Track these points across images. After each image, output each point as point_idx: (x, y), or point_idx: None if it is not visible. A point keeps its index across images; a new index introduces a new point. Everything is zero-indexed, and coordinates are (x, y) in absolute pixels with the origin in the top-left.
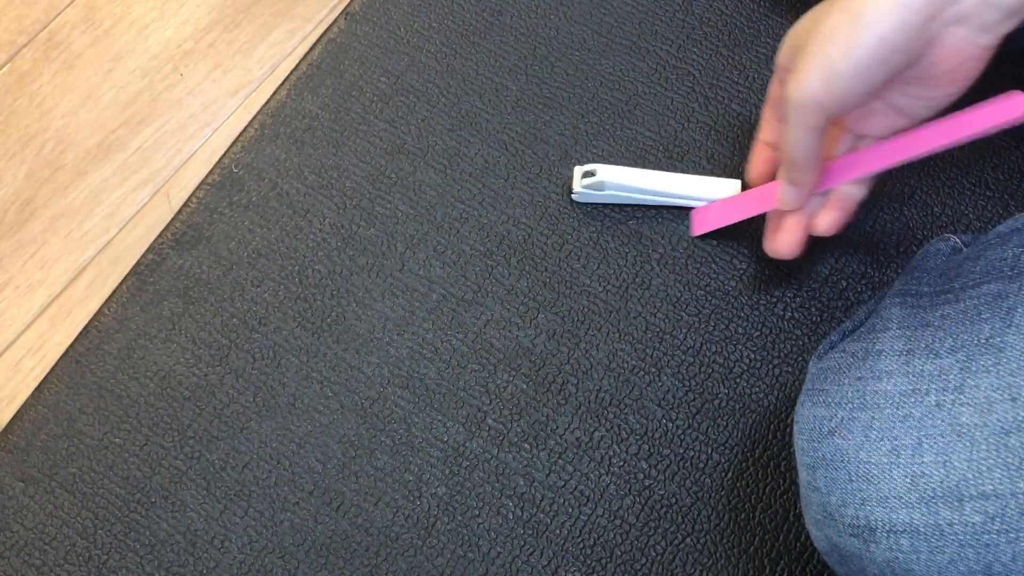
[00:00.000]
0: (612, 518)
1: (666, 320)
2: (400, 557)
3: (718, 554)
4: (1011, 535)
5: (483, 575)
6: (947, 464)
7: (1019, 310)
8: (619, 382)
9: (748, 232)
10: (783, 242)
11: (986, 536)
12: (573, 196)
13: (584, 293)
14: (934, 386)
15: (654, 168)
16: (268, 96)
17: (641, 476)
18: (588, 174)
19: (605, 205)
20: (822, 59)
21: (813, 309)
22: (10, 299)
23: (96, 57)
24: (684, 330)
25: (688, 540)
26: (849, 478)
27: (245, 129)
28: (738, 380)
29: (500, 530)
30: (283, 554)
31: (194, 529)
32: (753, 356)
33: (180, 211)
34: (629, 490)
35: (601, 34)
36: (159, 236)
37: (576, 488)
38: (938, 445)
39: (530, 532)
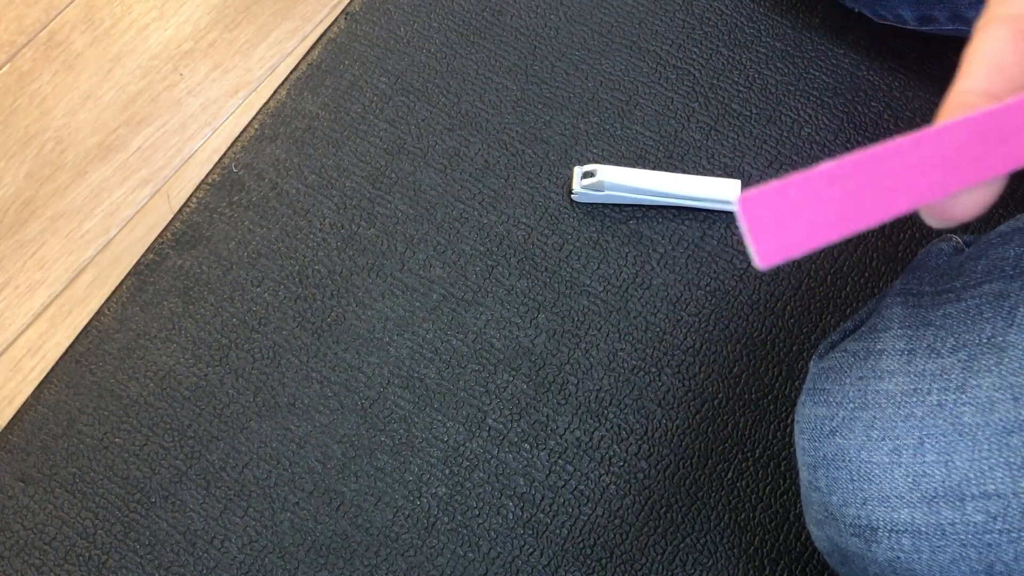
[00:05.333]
0: (612, 518)
1: (666, 320)
2: (400, 557)
3: (718, 554)
4: (1013, 535)
5: (483, 575)
6: (949, 464)
7: (1021, 309)
8: (619, 382)
9: None
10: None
11: (988, 536)
12: (573, 196)
13: (584, 293)
14: (936, 385)
15: (654, 168)
16: (268, 96)
17: (641, 476)
18: (588, 174)
19: (605, 205)
20: None
21: (813, 309)
22: (10, 299)
23: (96, 57)
24: (684, 330)
25: (688, 540)
26: (850, 478)
27: (245, 129)
28: (738, 380)
29: (500, 530)
30: (283, 554)
31: (194, 529)
32: (753, 356)
33: (180, 211)
34: (629, 490)
35: (601, 34)
36: (159, 236)
37: (576, 488)
38: (940, 445)
39: (530, 532)
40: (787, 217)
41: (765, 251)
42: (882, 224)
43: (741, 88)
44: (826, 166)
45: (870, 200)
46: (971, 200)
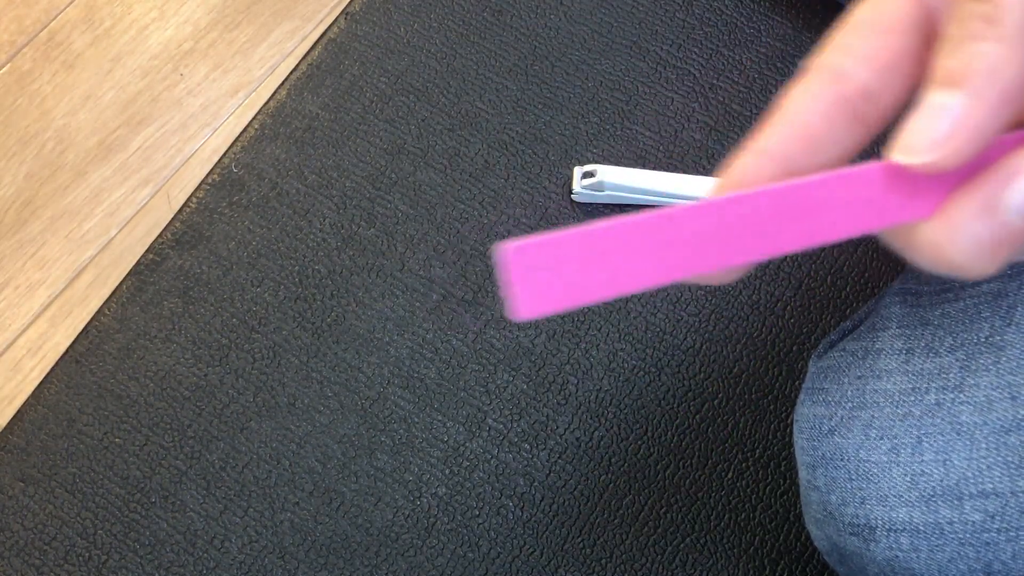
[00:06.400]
0: (612, 518)
1: (666, 320)
2: (400, 557)
3: (718, 554)
4: (1011, 533)
5: (483, 575)
6: (947, 463)
7: (1019, 308)
8: (619, 382)
9: None
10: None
11: (986, 534)
12: (573, 196)
13: None
14: (934, 385)
15: (654, 168)
16: (268, 96)
17: (641, 476)
18: (588, 175)
19: (605, 205)
20: None
21: (813, 309)
22: (10, 299)
23: (96, 57)
24: (684, 330)
25: (688, 540)
26: (849, 477)
27: (245, 129)
28: (738, 380)
29: (500, 530)
30: (283, 554)
31: (194, 529)
32: (753, 356)
33: (180, 211)
34: (629, 490)
35: (601, 34)
36: (159, 236)
37: (576, 488)
38: (938, 444)
39: (530, 532)
40: (554, 272)
41: (526, 304)
42: (652, 288)
43: (741, 88)
44: (602, 225)
45: (644, 264)
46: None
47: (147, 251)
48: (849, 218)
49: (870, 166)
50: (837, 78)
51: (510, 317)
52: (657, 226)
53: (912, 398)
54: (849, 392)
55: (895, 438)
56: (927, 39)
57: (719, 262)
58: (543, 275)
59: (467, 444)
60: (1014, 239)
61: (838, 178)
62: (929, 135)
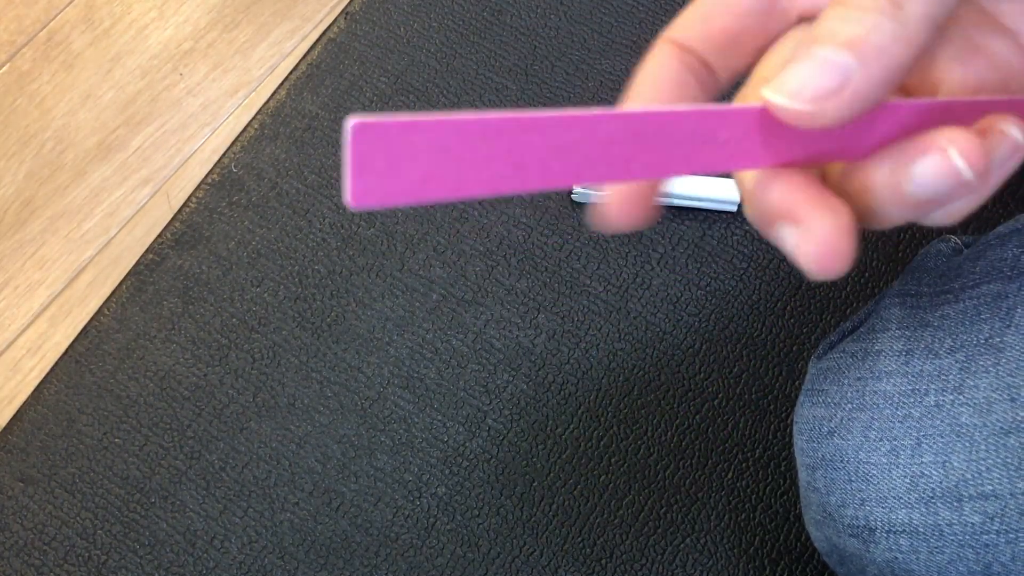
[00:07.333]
0: (612, 518)
1: (666, 320)
2: (400, 557)
3: (718, 554)
4: (1010, 535)
5: (483, 575)
6: (946, 464)
7: (1019, 310)
8: (619, 382)
9: (749, 231)
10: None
11: (985, 536)
12: (573, 196)
13: (584, 293)
14: (933, 386)
15: None
16: (268, 96)
17: (641, 476)
18: None
19: None
20: None
21: (813, 309)
22: (10, 299)
23: (96, 57)
24: (684, 330)
25: (688, 540)
26: (848, 478)
27: (245, 129)
28: (738, 380)
29: (500, 530)
30: (283, 554)
31: (194, 529)
32: (753, 356)
33: (180, 211)
34: (629, 490)
35: (601, 34)
36: (159, 236)
37: (576, 487)
38: (937, 445)
39: (530, 532)
40: (402, 160)
41: (362, 190)
42: (498, 195)
43: (740, 88)
44: (466, 116)
45: (498, 167)
46: (621, 208)
47: (147, 251)
48: (708, 155)
49: (743, 108)
50: (681, 52)
51: (345, 202)
52: (521, 127)
53: (912, 400)
54: (849, 393)
55: (895, 440)
56: (768, 20)
57: (572, 179)
58: (392, 162)
59: (467, 444)
60: (921, 208)
61: (709, 113)
62: (814, 84)
